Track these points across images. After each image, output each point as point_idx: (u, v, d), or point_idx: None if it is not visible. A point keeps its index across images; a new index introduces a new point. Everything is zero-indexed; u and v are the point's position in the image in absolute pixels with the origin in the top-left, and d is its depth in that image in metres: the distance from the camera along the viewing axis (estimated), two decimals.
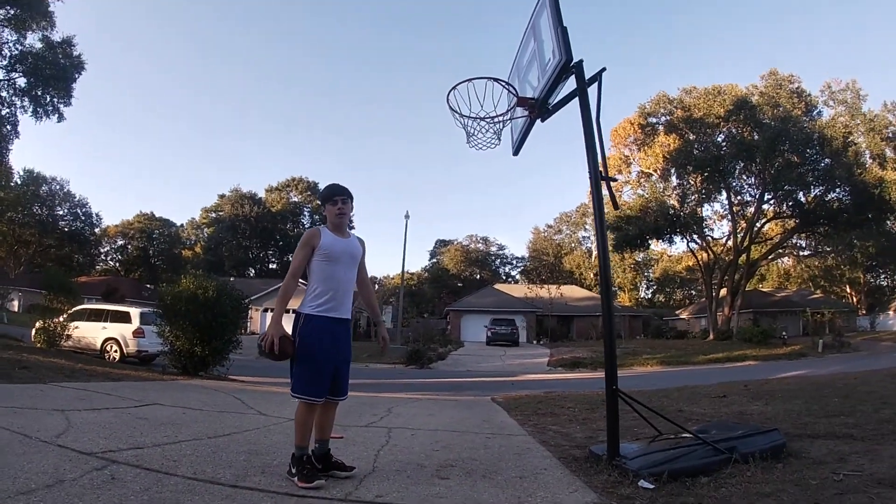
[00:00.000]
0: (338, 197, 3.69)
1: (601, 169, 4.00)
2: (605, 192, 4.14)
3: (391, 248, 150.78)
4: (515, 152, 5.15)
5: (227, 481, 3.25)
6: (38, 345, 14.89)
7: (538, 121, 4.64)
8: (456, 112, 4.51)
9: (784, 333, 36.85)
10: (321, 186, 55.86)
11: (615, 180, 4.30)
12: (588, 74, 4.14)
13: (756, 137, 36.21)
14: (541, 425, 6.17)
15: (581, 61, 4.07)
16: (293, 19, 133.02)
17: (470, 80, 4.43)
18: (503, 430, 5.94)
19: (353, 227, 78.05)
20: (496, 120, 4.54)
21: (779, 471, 3.61)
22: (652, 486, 3.31)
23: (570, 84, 4.25)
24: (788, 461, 3.87)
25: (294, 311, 3.65)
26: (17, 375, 7.88)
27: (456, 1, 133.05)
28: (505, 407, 8.00)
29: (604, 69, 4.10)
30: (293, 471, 3.34)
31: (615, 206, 4.72)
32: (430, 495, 3.23)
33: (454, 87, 4.46)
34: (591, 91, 4.15)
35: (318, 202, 3.73)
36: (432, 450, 4.62)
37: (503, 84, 4.47)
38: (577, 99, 4.16)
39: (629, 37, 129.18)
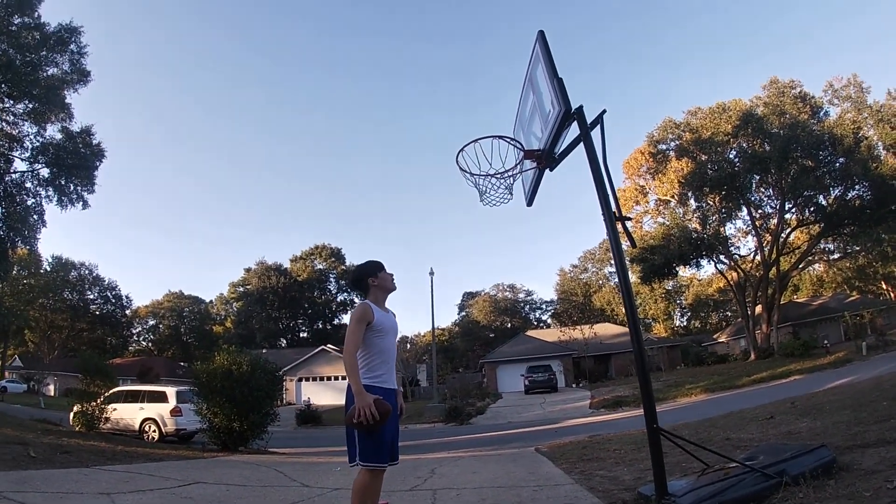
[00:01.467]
0: (385, 270, 3.86)
1: (614, 210, 4.04)
2: (620, 230, 4.16)
3: (418, 306, 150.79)
4: (529, 203, 5.20)
5: None
6: (77, 428, 15.00)
7: (547, 170, 4.71)
8: (466, 172, 4.59)
9: (826, 342, 35.81)
10: (344, 252, 56.56)
11: (629, 219, 4.32)
12: (589, 118, 4.21)
13: (767, 148, 35.95)
14: (587, 471, 6.05)
15: (581, 107, 4.14)
16: (302, 79, 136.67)
17: (476, 140, 4.52)
18: (549, 480, 5.83)
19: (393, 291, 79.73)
20: (506, 175, 4.60)
21: (831, 487, 3.51)
22: None
23: (574, 129, 4.32)
24: (840, 476, 3.76)
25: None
26: (59, 460, 7.96)
27: (461, 53, 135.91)
28: (550, 456, 7.87)
29: (604, 111, 4.17)
30: None
31: (632, 244, 4.72)
32: None
33: (462, 150, 4.55)
34: (595, 134, 4.21)
35: (365, 276, 3.74)
36: None
37: (508, 140, 4.56)
38: (581, 144, 4.23)
39: (627, 67, 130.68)
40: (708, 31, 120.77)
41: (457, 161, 4.57)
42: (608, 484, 5.15)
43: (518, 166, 4.63)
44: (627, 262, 42.02)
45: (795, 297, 60.36)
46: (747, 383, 24.81)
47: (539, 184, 4.99)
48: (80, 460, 8.18)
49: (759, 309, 42.09)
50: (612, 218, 4.01)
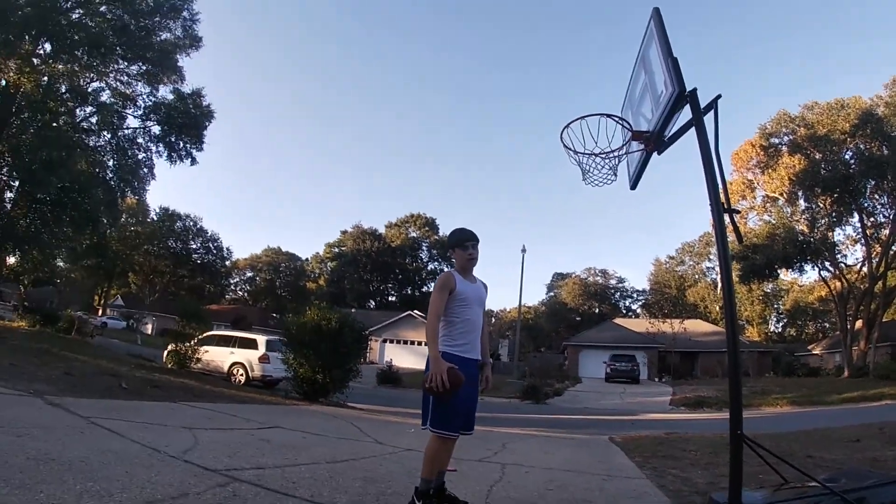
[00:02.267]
0: (468, 243, 3.79)
1: (723, 201, 3.86)
2: (727, 223, 3.97)
3: (508, 280, 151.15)
4: (633, 186, 5.03)
5: None
6: (169, 365, 16.01)
7: (655, 153, 4.54)
8: (570, 150, 4.47)
9: None
10: (439, 222, 57.28)
11: (738, 212, 4.11)
12: (703, 102, 4.01)
13: (885, 152, 33.38)
14: (660, 469, 5.92)
15: (695, 90, 3.94)
16: (413, 53, 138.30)
17: (583, 117, 4.39)
18: (621, 472, 5.75)
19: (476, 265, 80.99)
20: (611, 155, 4.46)
21: None
22: None
23: (686, 113, 4.13)
24: None
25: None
26: (148, 393, 8.49)
27: (569, 34, 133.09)
28: (623, 448, 7.75)
29: (719, 96, 3.95)
30: (416, 502, 3.40)
31: (739, 239, 4.52)
32: None
33: (567, 126, 4.43)
34: (708, 119, 4.01)
35: (449, 246, 3.79)
36: (546, 489, 4.55)
37: (616, 119, 4.41)
38: (692, 129, 4.05)
39: (742, 56, 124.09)
40: (834, 23, 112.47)
41: (561, 138, 4.45)
42: (680, 484, 5.03)
43: (625, 147, 4.47)
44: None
45: None
46: (836, 401, 23.46)
47: (645, 167, 4.81)
48: (168, 395, 8.69)
49: (859, 324, 39.43)
50: (721, 209, 3.82)
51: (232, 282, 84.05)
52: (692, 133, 4.06)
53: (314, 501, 3.40)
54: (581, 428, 12.76)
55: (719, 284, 59.60)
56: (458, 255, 3.81)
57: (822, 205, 38.11)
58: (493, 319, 55.49)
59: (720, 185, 3.87)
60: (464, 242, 3.80)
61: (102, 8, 22.78)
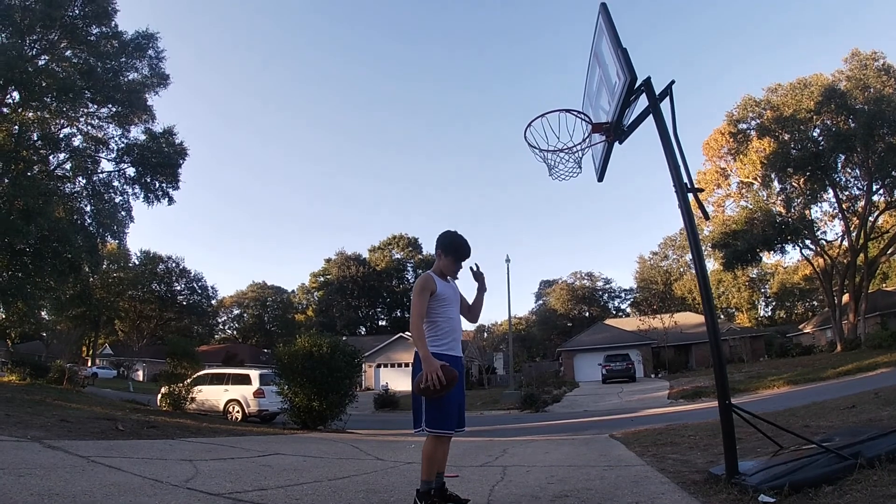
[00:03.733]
0: (463, 260, 3.89)
1: (686, 182, 3.97)
2: (693, 202, 4.09)
3: (495, 295, 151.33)
4: (600, 178, 5.16)
5: None
6: (164, 408, 15.89)
7: (616, 143, 4.67)
8: (535, 148, 4.60)
9: None
10: (421, 241, 57.30)
11: (701, 191, 4.23)
12: (658, 90, 4.15)
13: (852, 125, 33.98)
14: (660, 455, 5.99)
15: (649, 78, 4.09)
16: (377, 78, 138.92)
17: (543, 114, 4.52)
18: (621, 462, 5.81)
19: (456, 279, 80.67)
20: (574, 149, 4.58)
21: None
22: (773, 500, 3.19)
23: (643, 102, 4.28)
24: None
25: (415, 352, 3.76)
26: (145, 433, 8.45)
27: (532, 43, 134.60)
28: (623, 441, 7.81)
29: (673, 82, 4.09)
30: (418, 503, 3.44)
31: (705, 216, 4.61)
32: None
33: (529, 124, 4.55)
34: (664, 105, 4.15)
35: (441, 247, 3.81)
36: (547, 483, 4.60)
37: (575, 113, 4.54)
38: (651, 116, 4.18)
39: (705, 46, 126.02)
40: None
41: (525, 136, 4.58)
42: (680, 466, 5.10)
43: (587, 140, 4.60)
44: (709, 248, 41.10)
45: (885, 285, 56.86)
46: (832, 375, 23.72)
47: (609, 158, 4.95)
48: (165, 434, 8.66)
49: (846, 298, 39.97)
50: (684, 189, 3.95)
51: (220, 321, 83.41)
52: (653, 122, 4.20)
53: None
54: (582, 430, 12.81)
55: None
56: (447, 263, 3.87)
57: (796, 184, 38.69)
58: (485, 334, 55.38)
59: (682, 167, 3.99)
60: (460, 256, 3.87)
61: (68, 52, 23.02)
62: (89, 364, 51.17)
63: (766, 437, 4.30)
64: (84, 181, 25.05)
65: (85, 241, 23.30)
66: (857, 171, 37.59)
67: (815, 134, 37.28)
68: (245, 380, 17.42)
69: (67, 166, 24.66)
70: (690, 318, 50.53)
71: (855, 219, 38.49)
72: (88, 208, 25.27)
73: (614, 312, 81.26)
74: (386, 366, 47.80)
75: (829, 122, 36.03)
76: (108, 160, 25.58)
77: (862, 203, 37.74)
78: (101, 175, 25.48)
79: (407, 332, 50.56)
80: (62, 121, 22.69)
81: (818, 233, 41.13)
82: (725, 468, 3.81)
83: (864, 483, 3.26)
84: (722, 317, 65.52)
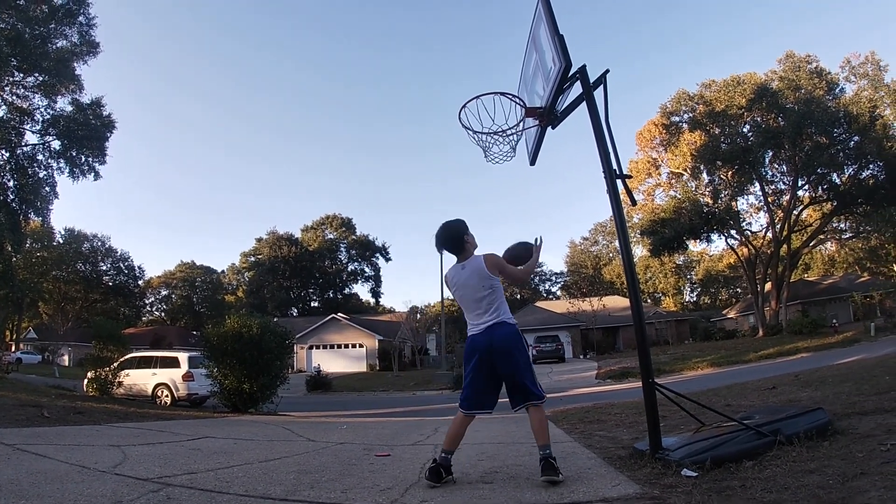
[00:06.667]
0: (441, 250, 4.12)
1: (615, 168, 4.08)
2: (621, 188, 4.20)
3: (428, 276, 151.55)
4: (532, 162, 5.23)
5: (278, 496, 3.37)
6: (91, 393, 15.30)
7: (549, 128, 4.73)
8: (469, 129, 4.63)
9: (835, 321, 36.07)
10: (355, 221, 57.09)
11: (630, 177, 4.34)
12: (593, 78, 4.24)
13: (781, 123, 35.60)
14: (587, 432, 6.20)
15: (584, 66, 4.18)
16: (305, 43, 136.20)
17: (478, 96, 4.54)
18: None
19: (389, 260, 79.44)
20: (509, 133, 4.63)
21: (824, 448, 3.62)
22: (695, 474, 3.33)
23: (578, 89, 4.36)
24: (835, 438, 3.87)
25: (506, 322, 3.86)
26: (72, 420, 8.15)
27: (470, 16, 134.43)
28: (552, 420, 7.95)
29: (607, 71, 4.19)
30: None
31: (632, 202, 4.77)
32: (475, 497, 3.30)
33: (464, 106, 4.56)
34: (598, 94, 4.24)
35: (461, 234, 3.88)
36: (478, 460, 4.68)
37: (510, 97, 4.58)
38: (584, 103, 4.27)
39: (642, 39, 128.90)
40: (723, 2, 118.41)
41: (459, 118, 4.59)
42: (606, 443, 5.28)
43: (521, 124, 4.65)
44: (638, 235, 42.31)
45: (806, 275, 60.12)
46: (754, 359, 24.91)
47: (542, 142, 5.02)
48: (92, 419, 8.36)
49: (768, 286, 42.05)
50: (613, 175, 4.06)
51: (147, 302, 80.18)
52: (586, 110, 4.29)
53: (249, 495, 3.39)
54: (511, 409, 12.99)
55: (635, 258, 61.73)
56: (473, 239, 4.04)
57: (724, 177, 40.28)
58: (419, 315, 55.55)
59: (612, 153, 4.09)
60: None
61: None
62: (13, 349, 48.72)
63: (689, 415, 4.47)
64: (7, 154, 23.72)
65: (7, 219, 22.18)
66: (784, 166, 39.49)
67: (745, 129, 38.96)
68: (174, 363, 17.00)
69: None
70: (618, 302, 52.06)
71: (780, 212, 40.41)
72: (11, 183, 23.97)
73: (545, 295, 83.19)
74: (318, 347, 47.21)
75: (759, 119, 37.66)
76: (33, 132, 24.45)
77: (787, 197, 39.68)
78: (24, 148, 24.23)
79: (340, 314, 50.54)
80: None
81: (743, 224, 43.04)
82: (649, 444, 3.96)
83: (784, 459, 3.46)
84: (649, 301, 67.82)
